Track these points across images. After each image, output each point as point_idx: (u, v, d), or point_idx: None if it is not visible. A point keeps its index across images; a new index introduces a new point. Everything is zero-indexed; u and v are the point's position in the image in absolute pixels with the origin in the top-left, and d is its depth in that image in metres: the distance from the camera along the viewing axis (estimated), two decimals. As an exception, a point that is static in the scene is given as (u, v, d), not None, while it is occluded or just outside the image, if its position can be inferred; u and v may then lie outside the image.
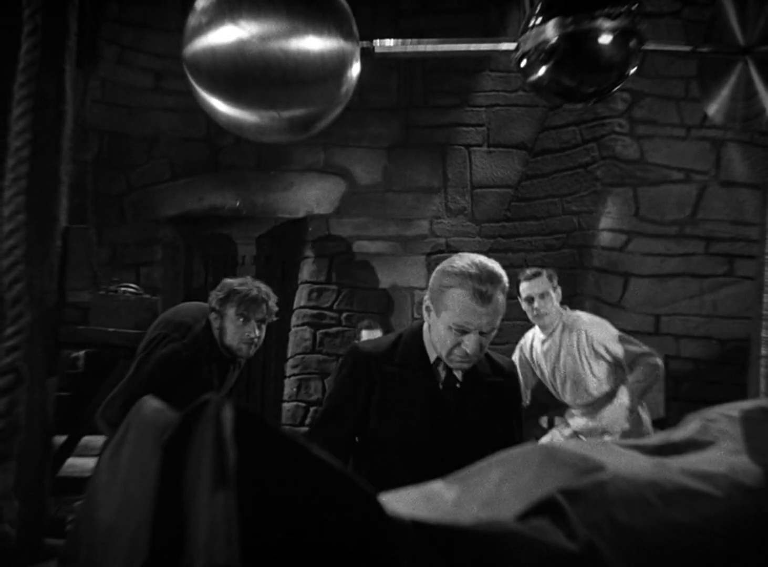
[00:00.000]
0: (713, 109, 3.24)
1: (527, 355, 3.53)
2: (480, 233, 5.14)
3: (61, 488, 3.02)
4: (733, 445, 1.02)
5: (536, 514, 0.84)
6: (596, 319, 3.39)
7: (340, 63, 2.47)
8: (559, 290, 3.38)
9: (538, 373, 3.48)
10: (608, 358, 3.20)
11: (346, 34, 2.46)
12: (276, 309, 2.65)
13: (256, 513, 0.64)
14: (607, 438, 3.16)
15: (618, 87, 2.76)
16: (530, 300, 3.31)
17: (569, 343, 3.28)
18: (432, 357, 1.78)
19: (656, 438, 1.11)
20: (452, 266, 1.68)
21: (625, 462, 0.94)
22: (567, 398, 3.37)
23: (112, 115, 5.01)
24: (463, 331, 1.66)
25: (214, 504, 0.62)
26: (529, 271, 3.36)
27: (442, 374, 1.77)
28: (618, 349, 3.19)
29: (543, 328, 3.37)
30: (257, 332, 2.57)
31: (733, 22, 2.94)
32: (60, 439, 3.01)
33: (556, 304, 3.36)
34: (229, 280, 2.63)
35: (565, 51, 2.55)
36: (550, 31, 2.54)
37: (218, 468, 0.64)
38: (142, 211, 5.10)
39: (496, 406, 1.81)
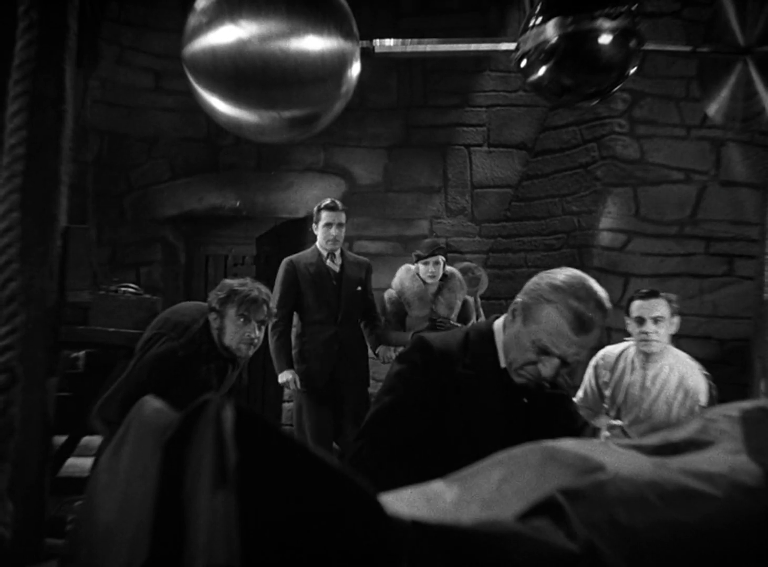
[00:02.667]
0: (713, 109, 3.24)
1: (604, 373, 3.00)
2: (480, 233, 5.14)
3: (61, 488, 3.02)
4: (732, 444, 1.02)
5: (536, 514, 0.84)
6: (694, 364, 2.93)
7: (340, 63, 2.47)
8: (676, 319, 2.91)
9: (607, 392, 3.00)
10: (695, 409, 2.80)
11: (346, 34, 2.46)
12: (275, 311, 2.66)
13: (256, 513, 0.64)
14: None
15: (618, 87, 2.76)
16: (641, 321, 2.85)
17: (670, 395, 2.83)
18: (504, 362, 1.61)
19: (656, 438, 1.11)
20: (558, 280, 1.51)
21: (625, 462, 0.94)
22: (622, 420, 2.96)
23: (112, 115, 5.01)
24: (545, 352, 1.51)
25: (215, 504, 0.62)
26: (644, 290, 2.96)
27: (510, 381, 1.60)
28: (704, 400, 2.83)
29: (645, 355, 2.87)
30: (257, 333, 2.59)
31: (733, 22, 2.94)
32: (60, 439, 3.01)
33: (669, 334, 2.88)
34: (228, 281, 2.64)
35: (565, 51, 2.55)
36: (550, 31, 2.54)
37: (218, 468, 0.64)
38: (142, 211, 5.10)
39: (557, 420, 1.66)
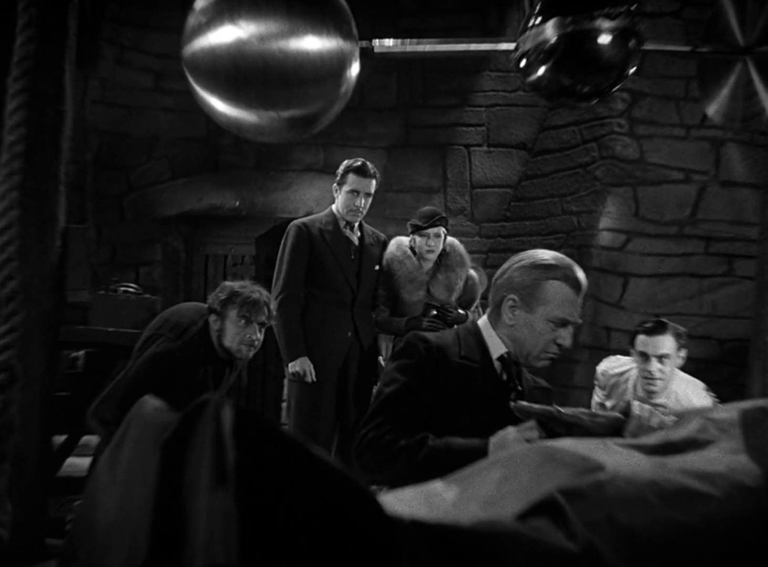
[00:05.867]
0: (713, 109, 3.23)
1: (608, 386, 2.93)
2: (480, 233, 5.14)
3: (61, 488, 3.02)
4: (732, 444, 1.02)
5: (536, 514, 0.84)
6: (698, 385, 2.85)
7: (340, 63, 2.47)
8: (683, 353, 2.75)
9: (608, 404, 2.91)
10: None
11: (346, 34, 2.46)
12: (275, 313, 2.68)
13: (255, 513, 0.64)
14: None
15: (617, 87, 2.76)
16: (645, 357, 2.69)
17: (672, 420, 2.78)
18: (495, 355, 1.70)
19: (656, 437, 1.11)
20: (543, 259, 1.65)
21: (625, 462, 0.94)
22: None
23: (112, 115, 5.01)
24: (564, 324, 1.62)
25: (214, 504, 0.62)
26: (651, 323, 2.74)
27: (502, 374, 1.70)
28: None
29: (648, 392, 2.71)
30: (258, 335, 2.61)
31: (733, 22, 2.94)
32: (60, 439, 3.02)
33: (675, 368, 2.73)
34: (229, 283, 2.67)
35: (565, 51, 2.55)
36: (550, 31, 2.54)
37: (218, 468, 0.64)
38: (142, 211, 5.10)
39: None
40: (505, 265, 1.71)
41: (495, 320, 1.72)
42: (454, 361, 1.65)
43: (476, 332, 1.73)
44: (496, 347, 1.71)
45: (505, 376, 1.70)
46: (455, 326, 1.87)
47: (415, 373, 1.61)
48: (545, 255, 1.67)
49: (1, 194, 1.16)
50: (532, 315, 1.63)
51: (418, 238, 3.25)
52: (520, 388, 1.70)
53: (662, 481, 0.90)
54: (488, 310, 1.76)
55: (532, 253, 1.69)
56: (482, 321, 1.77)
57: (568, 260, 1.66)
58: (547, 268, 1.63)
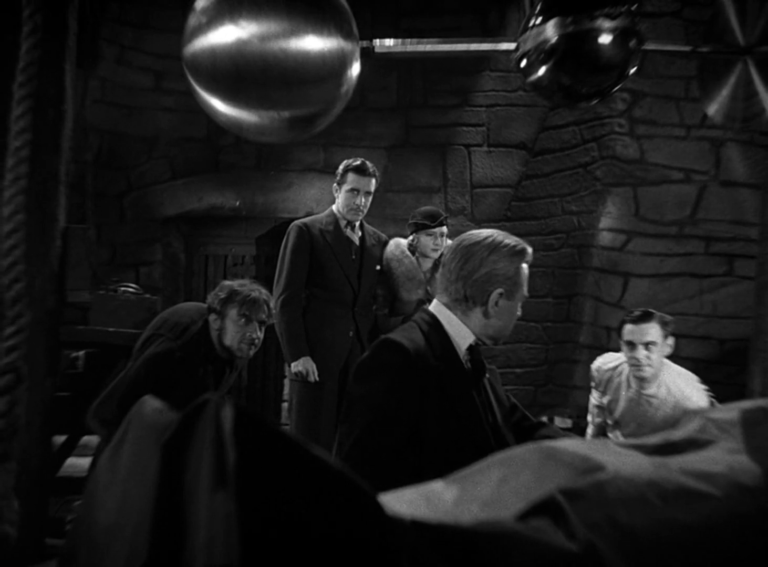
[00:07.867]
0: (713, 109, 3.24)
1: (600, 387, 2.98)
2: (480, 233, 5.13)
3: (61, 488, 3.02)
4: (732, 444, 1.02)
5: (536, 514, 0.84)
6: (691, 378, 2.88)
7: (340, 63, 2.47)
8: (671, 340, 2.80)
9: (604, 400, 2.98)
10: None
11: (346, 34, 2.46)
12: (276, 312, 2.68)
13: (255, 513, 0.64)
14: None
15: (618, 87, 2.77)
16: (632, 346, 2.75)
17: (667, 413, 2.76)
18: (463, 347, 1.64)
19: (656, 437, 1.11)
20: (512, 246, 1.63)
21: (625, 462, 0.94)
22: (621, 431, 2.93)
23: (112, 115, 5.01)
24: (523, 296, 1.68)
25: (214, 504, 0.62)
26: (637, 312, 2.80)
27: (467, 364, 1.65)
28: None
29: (639, 380, 2.79)
30: (258, 333, 2.61)
31: (733, 22, 2.94)
32: (60, 439, 3.01)
33: (663, 357, 2.79)
34: (228, 282, 2.67)
35: (565, 51, 2.56)
36: (550, 31, 2.54)
37: (218, 468, 0.64)
38: (142, 211, 5.10)
39: (502, 394, 1.75)
40: (461, 253, 1.63)
41: (466, 311, 1.65)
42: (431, 364, 1.57)
43: (436, 324, 1.65)
44: (463, 337, 1.65)
45: (470, 366, 1.66)
46: (412, 319, 1.75)
47: (397, 391, 1.53)
48: (508, 239, 1.64)
49: (7, 199, 1.17)
50: (513, 301, 1.64)
51: (423, 237, 3.30)
52: (488, 376, 1.69)
53: (662, 481, 0.90)
54: (449, 300, 1.66)
55: (497, 238, 1.63)
56: (439, 311, 1.67)
57: (514, 236, 1.67)
58: (517, 254, 1.63)
